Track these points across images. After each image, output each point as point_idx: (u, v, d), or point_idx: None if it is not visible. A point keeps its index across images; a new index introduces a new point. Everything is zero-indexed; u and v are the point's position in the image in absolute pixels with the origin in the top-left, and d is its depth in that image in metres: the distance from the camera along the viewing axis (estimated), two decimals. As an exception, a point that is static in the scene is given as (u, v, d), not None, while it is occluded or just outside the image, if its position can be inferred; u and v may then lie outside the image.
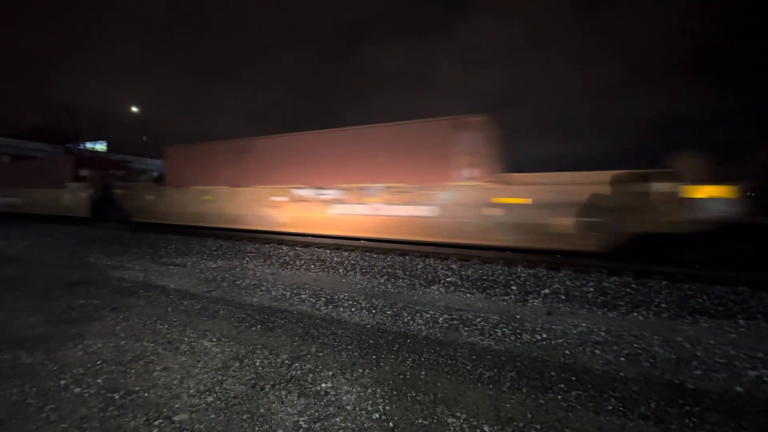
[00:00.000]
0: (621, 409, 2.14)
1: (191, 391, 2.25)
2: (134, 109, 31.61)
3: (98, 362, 2.60)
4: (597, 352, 2.92)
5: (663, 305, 4.10)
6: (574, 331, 3.32)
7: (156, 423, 1.94)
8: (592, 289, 4.66)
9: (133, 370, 2.50)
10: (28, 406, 2.06)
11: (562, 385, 2.39)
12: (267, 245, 8.20)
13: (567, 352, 2.93)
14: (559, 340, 3.13)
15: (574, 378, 2.49)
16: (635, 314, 3.86)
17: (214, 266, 6.17)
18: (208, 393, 2.23)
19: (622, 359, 2.80)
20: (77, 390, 2.24)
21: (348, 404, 2.14)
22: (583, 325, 3.49)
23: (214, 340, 3.05)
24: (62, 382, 2.33)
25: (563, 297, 4.43)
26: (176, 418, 1.99)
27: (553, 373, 2.55)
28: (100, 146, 32.04)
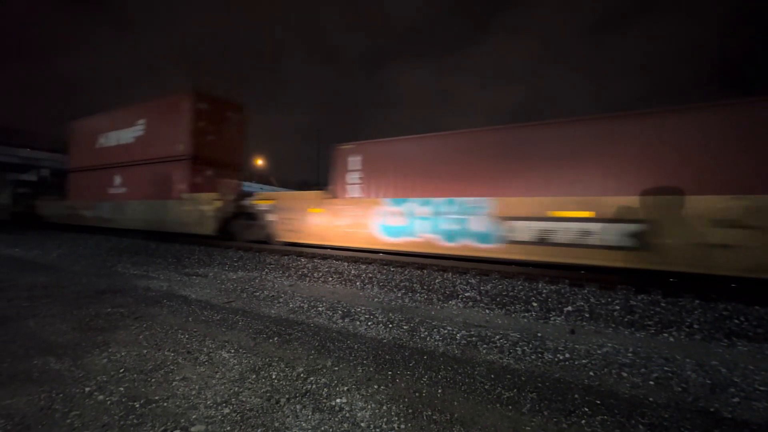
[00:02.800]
0: (650, 437, 2.02)
1: (208, 402, 2.27)
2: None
3: (121, 370, 2.67)
4: (624, 374, 2.78)
5: (696, 326, 3.88)
6: (599, 352, 3.18)
7: (173, 433, 1.96)
8: (618, 307, 4.47)
9: (153, 379, 2.55)
10: (54, 412, 2.13)
11: (587, 409, 2.28)
12: (286, 257, 8.30)
13: (591, 373, 2.80)
14: (583, 361, 3.00)
15: (599, 402, 2.37)
16: (665, 335, 3.67)
17: (234, 277, 6.29)
18: (224, 404, 2.25)
19: (652, 383, 2.65)
20: (101, 397, 2.30)
21: (362, 421, 2.11)
22: (609, 345, 3.34)
23: (232, 351, 3.08)
24: (87, 389, 2.40)
25: (587, 315, 4.27)
26: (193, 429, 2.00)
27: (576, 396, 2.44)
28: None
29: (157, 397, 2.32)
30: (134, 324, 3.72)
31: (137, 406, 2.21)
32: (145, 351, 3.04)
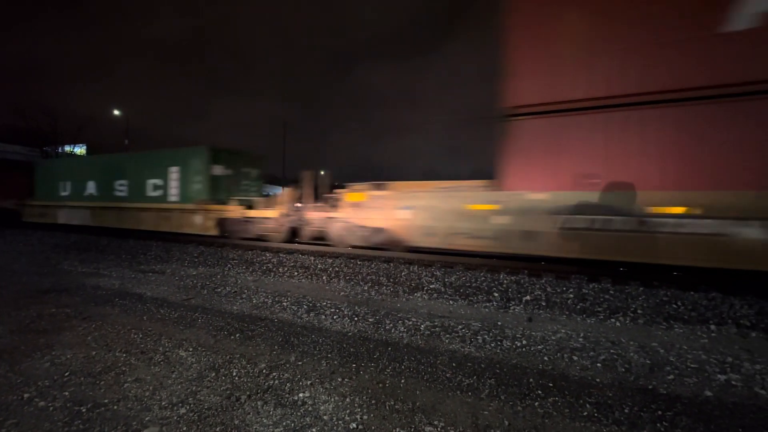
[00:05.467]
0: (596, 414, 2.16)
1: (163, 403, 2.18)
2: (116, 112, 30.99)
3: (66, 374, 2.50)
4: (575, 358, 2.96)
5: (639, 311, 4.19)
6: (553, 338, 3.36)
7: (124, 437, 1.87)
8: (572, 296, 4.74)
9: (102, 382, 2.41)
10: (-14, 422, 1.96)
11: (540, 392, 2.41)
12: (250, 252, 8.08)
13: (546, 358, 2.96)
14: (539, 347, 3.16)
15: (551, 384, 2.52)
16: (613, 320, 3.94)
17: (194, 273, 6.04)
18: (180, 405, 2.17)
19: (599, 365, 2.84)
20: (42, 403, 2.15)
21: (325, 414, 2.11)
22: (563, 331, 3.53)
23: (191, 349, 2.97)
24: (26, 395, 2.23)
25: (544, 303, 4.49)
26: (146, 431, 1.92)
27: (531, 380, 2.57)
28: (80, 149, 31.19)
29: (106, 401, 2.19)
30: (82, 325, 3.49)
31: (84, 410, 2.08)
32: (93, 353, 2.87)
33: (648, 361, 2.89)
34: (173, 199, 9.77)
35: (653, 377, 2.66)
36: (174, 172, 9.75)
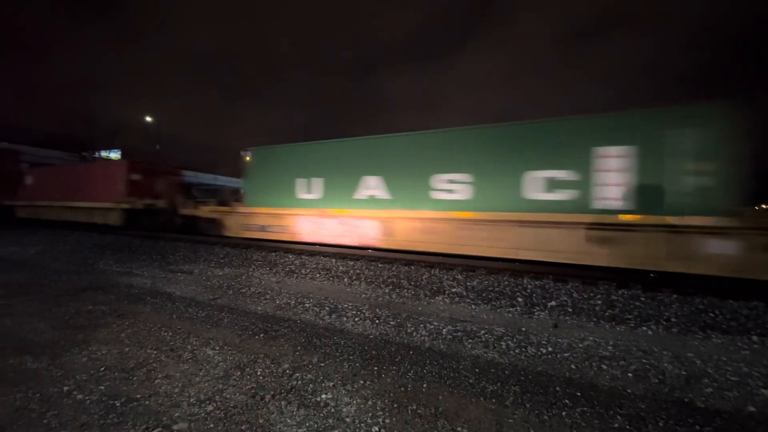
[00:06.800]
0: (628, 427, 2.08)
1: (191, 400, 2.24)
2: (148, 118, 32.39)
3: (102, 369, 2.62)
4: (604, 367, 2.85)
5: (673, 319, 4.00)
6: (580, 345, 3.25)
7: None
8: (600, 302, 4.58)
9: (135, 378, 2.51)
10: (30, 412, 2.08)
11: (567, 401, 2.34)
12: (273, 253, 8.23)
13: (573, 366, 2.87)
14: (565, 354, 3.07)
15: (579, 394, 2.43)
16: (644, 328, 3.77)
17: (220, 274, 6.21)
18: (208, 402, 2.23)
19: (630, 375, 2.73)
20: (80, 396, 2.25)
21: (348, 416, 2.12)
22: (590, 338, 3.41)
23: (217, 348, 3.05)
24: (65, 388, 2.35)
25: (570, 309, 4.36)
26: (175, 427, 1.98)
27: (558, 389, 2.50)
28: (115, 154, 32.80)
29: (138, 396, 2.28)
30: (116, 322, 3.65)
31: (118, 404, 2.17)
32: (127, 349, 2.99)
33: (684, 373, 2.75)
34: (613, 205, 5.46)
35: (690, 389, 2.53)
36: (612, 157, 5.48)
